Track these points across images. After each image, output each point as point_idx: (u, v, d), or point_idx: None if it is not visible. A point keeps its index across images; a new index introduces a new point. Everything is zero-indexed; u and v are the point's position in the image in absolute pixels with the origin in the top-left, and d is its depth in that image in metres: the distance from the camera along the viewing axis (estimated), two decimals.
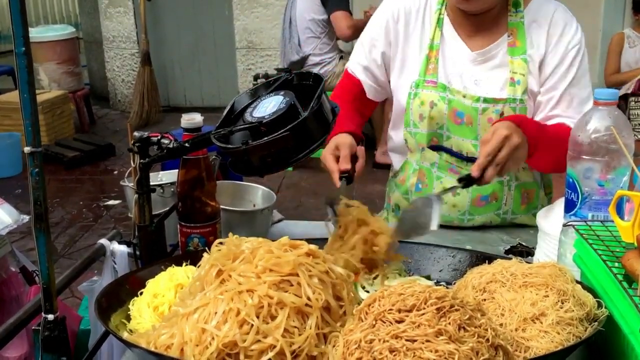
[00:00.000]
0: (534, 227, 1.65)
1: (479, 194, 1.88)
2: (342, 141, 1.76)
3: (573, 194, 1.44)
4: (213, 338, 1.02)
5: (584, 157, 1.39)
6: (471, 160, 1.84)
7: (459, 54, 1.87)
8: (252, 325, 1.02)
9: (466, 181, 1.57)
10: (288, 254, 1.11)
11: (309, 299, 1.06)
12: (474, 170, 1.56)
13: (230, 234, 1.22)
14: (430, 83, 1.86)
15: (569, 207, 1.46)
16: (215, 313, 1.04)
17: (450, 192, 1.65)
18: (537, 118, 1.85)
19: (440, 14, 1.88)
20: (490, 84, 1.83)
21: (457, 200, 1.88)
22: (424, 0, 1.91)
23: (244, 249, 1.15)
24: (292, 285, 1.08)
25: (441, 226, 1.90)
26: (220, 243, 1.19)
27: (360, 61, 2.00)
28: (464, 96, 1.83)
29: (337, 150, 1.74)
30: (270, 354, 1.01)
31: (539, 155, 1.69)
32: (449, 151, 1.88)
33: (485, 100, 1.81)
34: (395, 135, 2.01)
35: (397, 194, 2.04)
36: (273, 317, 1.04)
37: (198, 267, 1.18)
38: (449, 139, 1.87)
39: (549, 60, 1.83)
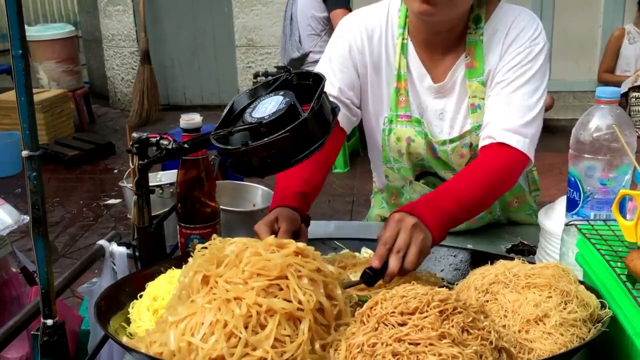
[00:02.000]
0: (536, 225, 1.65)
1: None
2: (284, 214, 1.48)
3: (575, 192, 1.43)
4: (199, 351, 0.99)
5: (586, 155, 1.38)
6: None
7: (423, 86, 1.73)
8: (240, 337, 0.99)
9: (369, 277, 1.32)
10: (275, 256, 1.08)
11: (300, 302, 1.03)
12: (373, 261, 1.33)
13: (214, 236, 1.19)
14: (403, 117, 1.73)
15: (571, 206, 1.45)
16: (202, 324, 1.01)
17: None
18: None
19: (403, 39, 1.71)
20: (454, 115, 1.72)
21: None
22: (384, 21, 1.73)
23: (229, 252, 1.11)
24: (281, 289, 1.05)
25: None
26: (204, 247, 1.16)
27: (331, 90, 1.70)
28: (432, 137, 1.72)
29: (276, 223, 1.46)
30: None
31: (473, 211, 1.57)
32: (436, 175, 1.79)
33: (452, 141, 1.71)
34: (376, 170, 1.92)
35: (385, 209, 1.96)
36: (263, 326, 1.01)
37: (182, 272, 1.15)
38: (431, 168, 1.79)
39: (500, 66, 1.65)
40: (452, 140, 1.71)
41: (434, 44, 1.70)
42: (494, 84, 1.65)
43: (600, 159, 1.37)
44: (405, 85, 1.72)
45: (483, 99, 1.67)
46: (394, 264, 1.32)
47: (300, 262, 1.09)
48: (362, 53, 1.73)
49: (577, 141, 1.40)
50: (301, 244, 1.13)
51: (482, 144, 1.63)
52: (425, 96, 1.73)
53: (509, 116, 1.60)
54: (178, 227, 1.59)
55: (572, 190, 1.44)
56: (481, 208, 1.63)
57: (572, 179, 1.43)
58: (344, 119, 1.74)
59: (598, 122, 1.37)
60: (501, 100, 1.62)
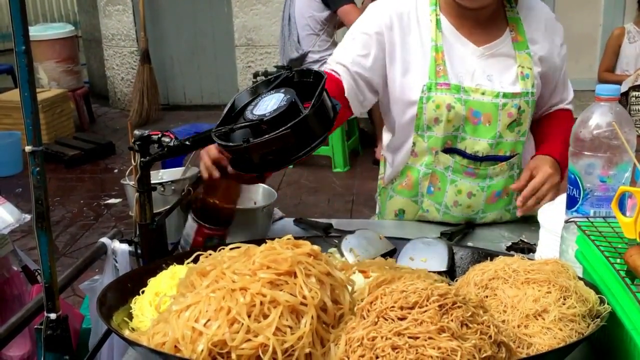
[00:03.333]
0: (536, 224, 1.65)
1: (493, 191, 1.89)
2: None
3: (575, 190, 1.43)
4: (202, 336, 1.01)
5: (586, 153, 1.39)
6: (486, 159, 1.85)
7: (465, 52, 1.85)
8: (243, 324, 1.00)
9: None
10: (287, 251, 1.10)
11: (304, 297, 1.05)
12: (519, 200, 1.75)
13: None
14: (443, 85, 1.81)
15: (571, 203, 1.45)
16: (207, 311, 1.03)
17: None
18: (543, 107, 2.00)
19: (436, 14, 1.84)
20: (502, 78, 1.84)
21: (473, 201, 1.88)
22: (412, 2, 1.87)
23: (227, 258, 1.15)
24: (288, 284, 1.06)
25: (442, 223, 1.92)
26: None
27: (344, 61, 1.85)
28: (483, 93, 1.81)
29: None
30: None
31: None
32: (463, 153, 1.85)
33: (505, 96, 1.81)
34: (398, 141, 1.95)
35: (400, 199, 1.99)
36: (266, 316, 1.02)
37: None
38: (464, 140, 1.84)
39: (549, 58, 1.91)
40: (505, 95, 1.82)
41: (467, 18, 1.86)
42: (548, 70, 1.92)
43: (600, 156, 1.38)
44: (442, 56, 1.83)
45: (531, 68, 1.85)
46: (530, 205, 1.76)
47: (311, 262, 1.10)
48: (391, 33, 1.84)
49: (577, 139, 1.40)
50: (316, 247, 1.15)
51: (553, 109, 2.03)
52: (470, 61, 1.85)
53: (566, 95, 2.04)
54: (196, 225, 1.59)
55: (571, 187, 1.44)
56: None
57: (572, 176, 1.43)
58: (351, 90, 1.85)
59: (598, 119, 1.37)
60: (560, 86, 2.00)
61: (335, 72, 1.86)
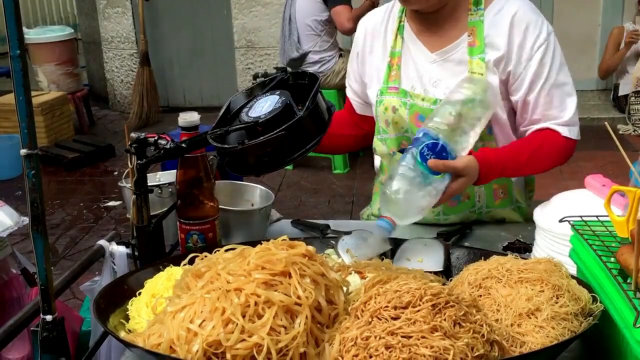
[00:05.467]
0: (532, 224, 1.66)
1: None
2: None
3: None
4: (197, 337, 1.02)
5: None
6: None
7: (418, 57, 1.87)
8: (237, 324, 1.01)
9: None
10: (282, 252, 1.11)
11: (298, 297, 1.06)
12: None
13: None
14: (392, 89, 1.88)
15: None
16: (202, 312, 1.04)
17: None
18: (522, 123, 1.87)
19: (400, 21, 1.91)
20: (448, 84, 1.81)
21: None
22: (388, 11, 1.96)
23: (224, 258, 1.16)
24: (282, 284, 1.07)
25: (437, 224, 1.92)
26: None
27: (347, 81, 2.09)
28: (423, 99, 1.83)
29: None
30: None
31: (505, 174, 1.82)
32: None
33: None
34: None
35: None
36: (260, 316, 1.03)
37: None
38: None
39: (513, 63, 1.80)
40: None
41: (428, 22, 1.86)
42: (519, 81, 1.80)
43: None
44: (398, 62, 1.90)
45: (482, 74, 1.78)
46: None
47: (306, 263, 1.12)
48: (364, 45, 1.97)
49: None
50: (311, 248, 1.16)
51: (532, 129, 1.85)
52: (421, 66, 1.87)
53: (556, 108, 1.82)
54: (178, 223, 1.61)
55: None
56: (525, 168, 1.83)
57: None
58: (359, 107, 2.07)
59: None
60: (542, 98, 1.81)
61: (347, 93, 2.10)
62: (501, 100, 1.83)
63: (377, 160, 2.09)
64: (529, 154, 1.80)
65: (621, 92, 6.46)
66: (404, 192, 1.54)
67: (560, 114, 1.82)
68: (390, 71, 1.90)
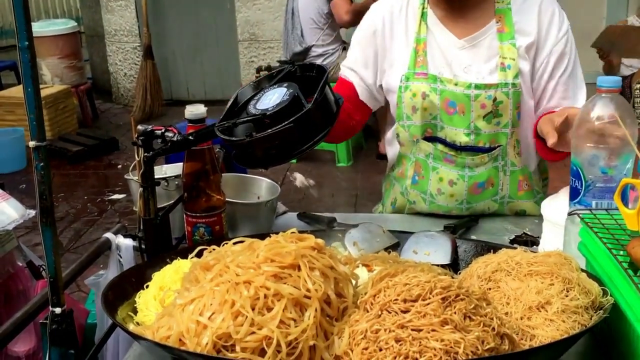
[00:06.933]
0: (539, 217, 1.66)
1: (475, 182, 1.88)
2: None
3: (577, 181, 1.43)
4: (207, 329, 1.02)
5: (588, 145, 1.39)
6: (465, 149, 1.86)
7: (446, 43, 1.88)
8: (247, 317, 1.01)
9: None
10: (291, 245, 1.11)
11: (308, 290, 1.05)
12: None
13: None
14: (420, 75, 1.87)
15: (573, 195, 1.46)
16: (211, 304, 1.04)
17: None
18: (537, 110, 1.90)
19: (423, 8, 1.91)
20: (479, 69, 1.84)
21: (455, 189, 1.89)
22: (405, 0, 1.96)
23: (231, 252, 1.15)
24: (292, 277, 1.07)
25: (445, 216, 1.92)
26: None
27: (351, 65, 2.02)
28: (456, 84, 1.83)
29: None
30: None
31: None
32: (444, 142, 1.88)
33: (477, 87, 1.81)
34: (391, 131, 2.03)
35: (397, 188, 2.04)
36: (269, 309, 1.03)
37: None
38: (443, 129, 1.87)
39: (540, 49, 1.86)
40: (477, 86, 1.82)
41: (453, 9, 1.88)
42: (543, 67, 1.86)
43: (602, 147, 1.38)
44: (423, 47, 1.89)
45: (514, 59, 1.83)
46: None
47: (315, 256, 1.11)
48: (384, 31, 1.94)
49: (578, 130, 1.41)
50: (320, 240, 1.16)
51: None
52: (450, 52, 1.88)
53: (570, 99, 1.88)
54: (185, 216, 1.61)
55: (574, 179, 1.44)
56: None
57: (575, 168, 1.43)
58: (365, 93, 2.00)
59: (600, 111, 1.37)
60: (560, 86, 1.88)
61: (346, 77, 2.02)
62: (529, 85, 1.88)
63: (392, 151, 2.06)
64: None
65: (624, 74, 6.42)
66: None
67: (576, 101, 1.88)
68: (417, 57, 1.89)
